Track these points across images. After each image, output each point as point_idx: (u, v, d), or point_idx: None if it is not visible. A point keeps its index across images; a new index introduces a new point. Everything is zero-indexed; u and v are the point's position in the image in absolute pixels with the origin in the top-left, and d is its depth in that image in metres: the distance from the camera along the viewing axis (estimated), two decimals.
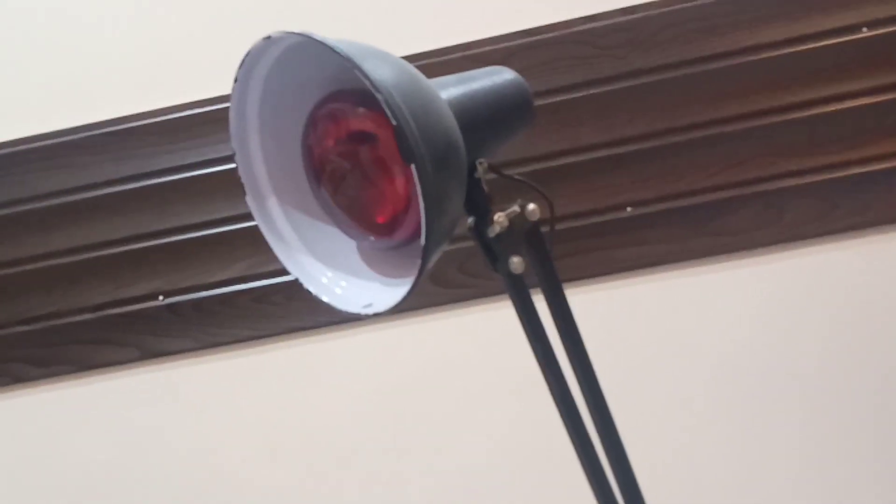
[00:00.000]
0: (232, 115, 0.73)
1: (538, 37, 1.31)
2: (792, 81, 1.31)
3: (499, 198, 0.75)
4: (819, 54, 1.30)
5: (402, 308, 1.39)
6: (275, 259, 1.36)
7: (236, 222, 1.36)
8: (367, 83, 0.62)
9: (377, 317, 0.72)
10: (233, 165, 1.34)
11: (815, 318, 1.37)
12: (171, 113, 1.36)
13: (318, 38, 0.63)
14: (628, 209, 1.33)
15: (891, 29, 1.30)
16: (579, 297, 1.33)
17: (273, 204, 0.77)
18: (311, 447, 1.42)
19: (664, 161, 1.32)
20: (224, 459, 1.43)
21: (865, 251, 1.34)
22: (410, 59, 1.26)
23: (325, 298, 0.75)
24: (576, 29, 1.31)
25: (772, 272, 1.35)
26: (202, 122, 1.35)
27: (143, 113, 1.36)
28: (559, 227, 1.31)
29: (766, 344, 1.37)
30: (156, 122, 1.36)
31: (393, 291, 0.72)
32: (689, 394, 1.39)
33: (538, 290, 0.80)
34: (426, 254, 0.66)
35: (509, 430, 1.41)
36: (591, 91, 1.32)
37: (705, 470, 1.40)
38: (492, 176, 0.76)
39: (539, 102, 1.30)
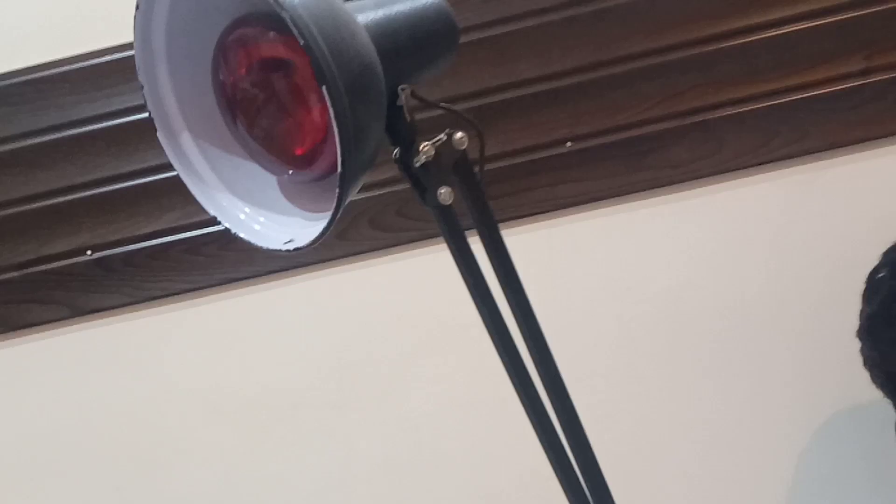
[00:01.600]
0: (137, 45, 0.69)
1: None
2: (729, 9, 1.28)
3: (428, 136, 0.72)
4: None
5: (342, 254, 1.38)
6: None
7: (164, 171, 1.31)
8: (272, 2, 0.58)
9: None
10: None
11: (757, 249, 1.36)
12: (90, 59, 1.29)
13: None
14: (568, 144, 1.31)
15: None
16: (520, 237, 1.33)
17: (186, 139, 0.74)
18: (252, 402, 1.39)
19: (602, 94, 1.30)
20: (163, 418, 1.39)
21: (803, 179, 1.33)
22: None
23: (242, 235, 0.72)
24: None
25: (713, 203, 1.34)
26: (122, 69, 1.29)
27: (61, 60, 1.30)
28: (494, 166, 1.28)
29: (709, 276, 1.37)
30: (74, 69, 1.29)
31: (314, 226, 0.69)
32: (633, 330, 1.38)
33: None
34: (343, 182, 0.62)
35: (456, 376, 1.39)
36: (526, 23, 1.28)
37: (647, 404, 1.40)
38: (417, 106, 0.72)
39: (474, 36, 1.27)
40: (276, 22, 0.65)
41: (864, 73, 1.29)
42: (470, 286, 0.80)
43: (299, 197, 0.75)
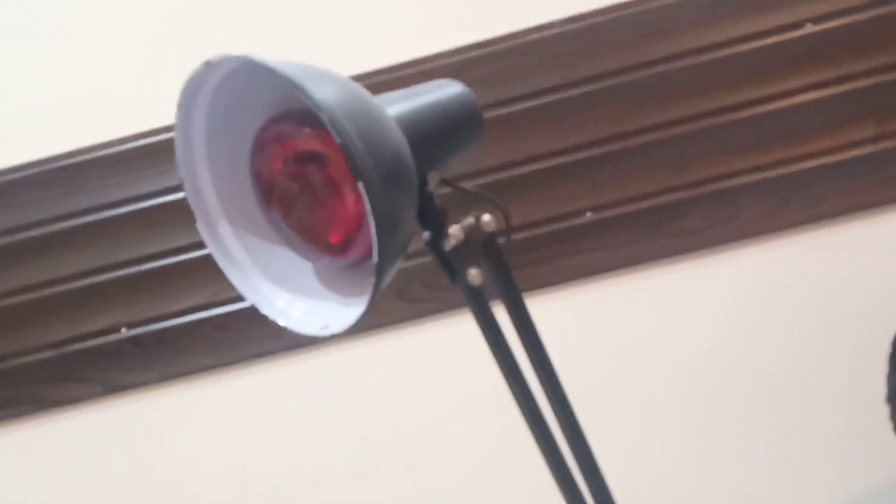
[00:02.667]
0: (177, 142, 0.72)
1: (489, 48, 1.31)
2: (738, 80, 1.31)
3: (455, 213, 0.75)
4: (764, 52, 1.31)
5: (368, 326, 1.40)
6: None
7: (194, 250, 1.35)
8: (309, 103, 0.62)
9: (335, 338, 0.71)
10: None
11: (777, 314, 1.38)
12: (122, 144, 1.34)
13: (259, 61, 0.63)
14: (588, 214, 1.33)
15: (835, 23, 1.31)
16: (541, 306, 1.33)
17: (225, 229, 0.76)
18: (280, 473, 1.40)
19: (617, 166, 1.33)
20: (194, 491, 1.41)
21: (819, 244, 1.35)
22: (362, 77, 1.28)
23: (281, 322, 0.74)
24: (526, 39, 1.31)
25: (730, 270, 1.36)
26: (154, 151, 1.33)
27: (94, 146, 1.34)
28: (517, 237, 1.31)
29: (729, 341, 1.38)
30: (107, 154, 1.34)
31: (349, 311, 0.71)
32: (655, 397, 1.39)
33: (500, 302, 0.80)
34: (379, 271, 0.65)
35: (482, 446, 1.40)
36: (542, 100, 1.32)
37: (674, 474, 1.40)
38: (445, 190, 0.75)
39: (491, 114, 1.30)
40: (311, 118, 0.68)
41: (875, 139, 1.31)
42: (499, 361, 0.82)
43: (334, 282, 0.77)
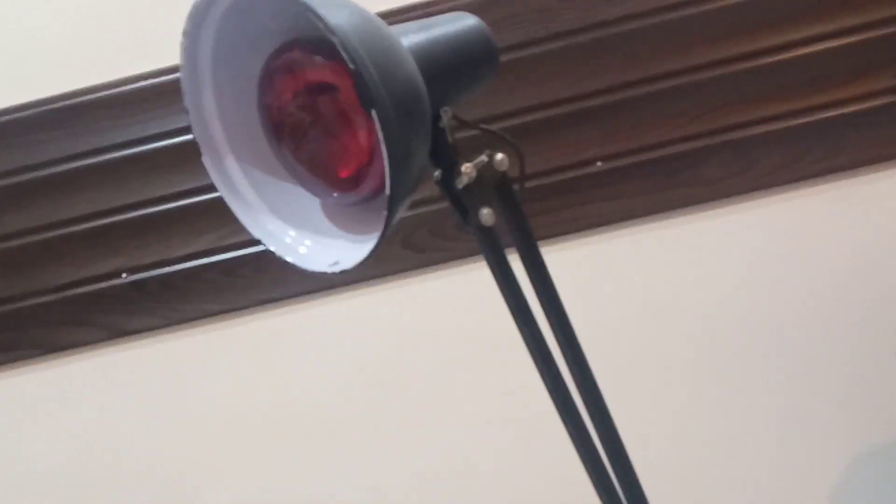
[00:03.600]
0: (183, 71, 0.70)
1: None
2: (757, 27, 1.29)
3: (467, 153, 0.73)
4: None
5: (374, 274, 1.39)
6: (241, 231, 1.33)
7: (199, 194, 1.33)
8: (322, 27, 0.59)
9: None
10: (192, 136, 1.32)
11: (793, 265, 1.36)
12: (126, 84, 1.31)
13: None
14: (598, 163, 1.31)
15: None
16: (553, 256, 1.31)
17: (231, 163, 0.74)
18: (286, 421, 1.40)
19: (632, 113, 1.30)
20: (199, 438, 1.40)
21: (837, 196, 1.33)
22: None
23: (289, 258, 0.72)
24: None
25: (745, 221, 1.34)
26: (158, 93, 1.31)
27: (99, 86, 1.32)
28: (529, 184, 1.29)
29: (745, 292, 1.37)
30: (111, 95, 1.31)
31: (359, 248, 0.69)
32: (669, 348, 1.38)
33: (512, 250, 0.78)
34: (392, 205, 0.63)
35: (493, 392, 1.39)
36: (556, 44, 1.29)
37: (688, 425, 1.40)
38: (456, 127, 0.73)
39: (503, 58, 1.27)
40: (322, 47, 0.66)
41: (894, 89, 1.29)
42: (511, 306, 0.80)
43: (343, 219, 0.75)
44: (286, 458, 1.41)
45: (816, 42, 1.29)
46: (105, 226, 1.34)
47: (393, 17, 1.28)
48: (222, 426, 1.40)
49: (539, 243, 0.81)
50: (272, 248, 0.73)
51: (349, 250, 0.71)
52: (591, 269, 1.35)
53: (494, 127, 0.81)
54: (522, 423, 1.38)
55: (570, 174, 1.32)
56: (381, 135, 0.61)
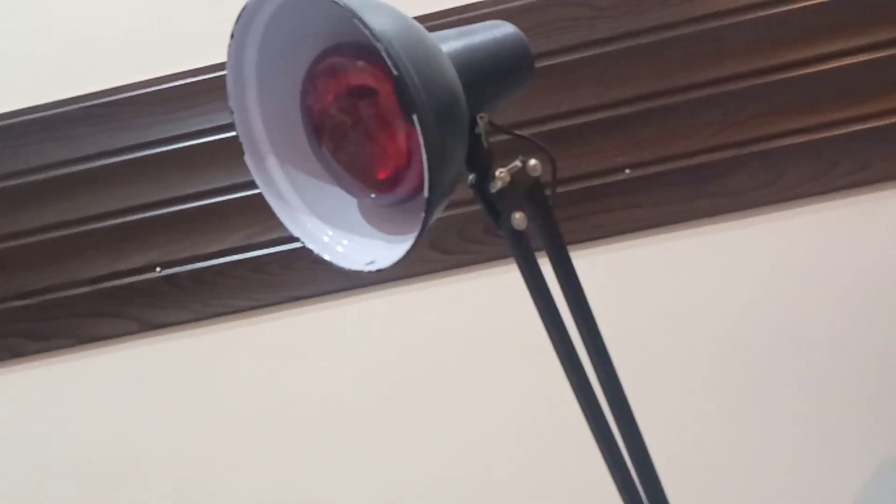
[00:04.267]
0: (229, 73, 0.72)
1: None
2: (790, 40, 1.29)
3: (498, 158, 0.74)
4: (816, 10, 1.29)
5: (403, 275, 1.40)
6: (272, 228, 1.37)
7: (232, 192, 1.35)
8: (367, 33, 0.61)
9: (380, 273, 0.71)
10: (227, 134, 1.35)
11: (819, 277, 1.36)
12: (165, 83, 1.34)
13: None
14: (626, 171, 1.32)
15: None
16: (580, 261, 1.32)
17: (272, 163, 0.76)
18: (311, 417, 1.42)
19: (661, 122, 1.31)
20: (227, 430, 1.42)
21: (864, 209, 1.33)
22: None
23: (326, 257, 0.74)
24: None
25: (772, 232, 1.34)
26: (195, 92, 1.33)
27: (138, 83, 1.35)
28: (559, 190, 1.30)
29: (770, 303, 1.37)
30: (150, 92, 1.34)
31: (395, 248, 0.71)
32: (693, 356, 1.39)
33: (541, 253, 0.80)
34: (429, 207, 0.65)
35: (515, 397, 1.40)
36: (588, 53, 1.30)
37: (710, 433, 1.40)
38: (492, 133, 0.75)
39: (537, 64, 1.28)
40: (364, 51, 0.68)
41: None
42: (541, 309, 0.81)
43: (379, 220, 0.77)
44: (309, 454, 1.43)
45: (846, 56, 1.29)
46: (140, 220, 1.37)
47: (430, 20, 1.29)
48: (247, 421, 1.42)
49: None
50: (311, 247, 0.75)
51: (385, 250, 0.73)
52: (617, 275, 1.36)
53: (527, 133, 0.82)
54: (543, 428, 1.39)
55: (598, 181, 1.33)
56: (421, 139, 0.62)
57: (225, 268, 1.37)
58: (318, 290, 1.37)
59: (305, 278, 1.36)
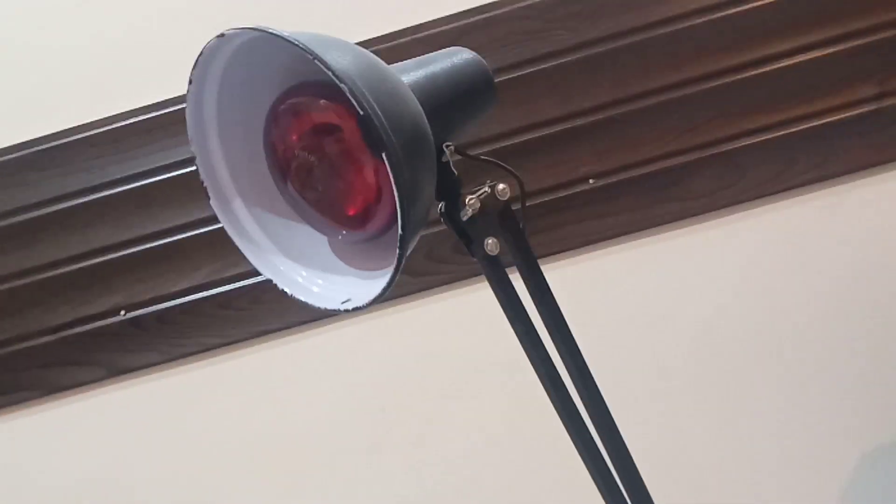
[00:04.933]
0: (189, 117, 0.71)
1: (488, 14, 1.29)
2: (744, 41, 1.30)
3: (463, 181, 0.74)
4: (767, 11, 1.30)
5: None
6: (237, 264, 1.35)
7: (193, 229, 1.33)
8: (330, 74, 0.60)
9: (357, 312, 0.70)
10: (185, 170, 1.33)
11: (787, 274, 1.37)
12: (116, 122, 1.31)
13: (275, 32, 0.61)
14: (591, 181, 1.32)
15: None
16: (550, 274, 1.33)
17: (239, 205, 0.75)
18: (290, 451, 1.40)
19: (622, 130, 1.32)
20: (203, 472, 1.40)
21: (828, 203, 1.35)
22: (360, 46, 1.25)
23: (302, 298, 0.73)
24: (524, 3, 1.29)
25: (738, 232, 1.35)
26: (149, 129, 1.31)
27: (88, 124, 1.32)
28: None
29: (740, 303, 1.38)
30: (101, 132, 1.31)
31: (370, 284, 0.70)
32: (667, 360, 1.39)
33: (513, 269, 0.79)
34: (403, 243, 0.64)
35: (494, 417, 1.40)
36: (544, 65, 1.30)
37: (688, 435, 1.41)
38: (458, 158, 0.74)
39: (495, 79, 1.28)
40: (326, 89, 0.67)
41: (879, 97, 1.31)
42: (519, 332, 0.81)
43: (351, 256, 0.76)
44: (292, 487, 1.41)
45: (800, 53, 1.31)
46: (100, 264, 1.34)
47: (385, 42, 1.28)
48: (223, 461, 1.40)
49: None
50: (285, 289, 0.74)
51: (360, 287, 0.72)
52: (587, 285, 1.36)
53: (490, 150, 0.81)
54: (524, 446, 1.38)
55: (563, 192, 1.33)
56: (391, 176, 0.61)
57: (191, 306, 1.35)
58: (288, 323, 1.36)
59: (274, 312, 1.34)
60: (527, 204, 1.29)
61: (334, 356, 1.38)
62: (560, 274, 1.34)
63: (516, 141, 1.31)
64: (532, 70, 1.30)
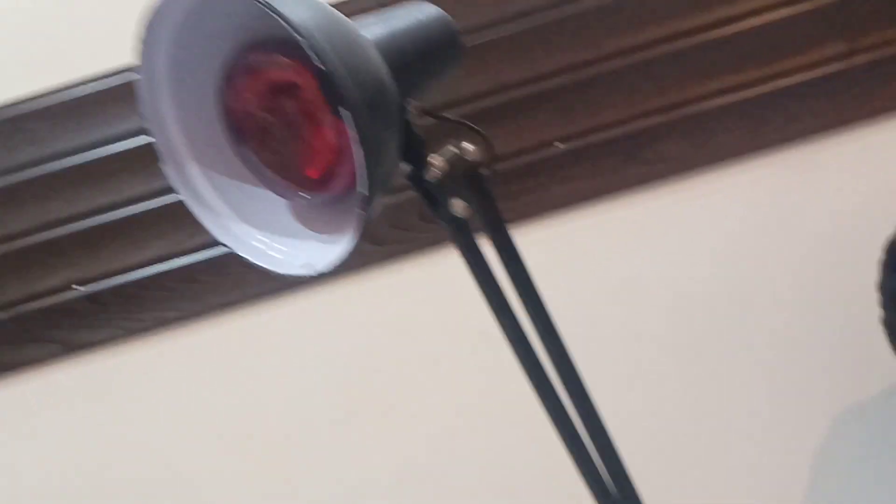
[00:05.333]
0: (141, 79, 0.67)
1: None
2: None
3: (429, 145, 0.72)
4: None
5: (337, 270, 1.35)
6: (196, 235, 1.32)
7: (149, 199, 1.29)
8: (288, 27, 0.57)
9: (320, 277, 0.67)
10: (138, 142, 1.29)
11: (759, 234, 1.37)
12: (67, 90, 1.27)
13: None
14: (558, 144, 1.30)
15: None
16: (519, 240, 1.31)
17: (194, 170, 0.71)
18: (259, 427, 1.37)
19: (588, 93, 1.29)
20: (169, 450, 1.37)
21: (798, 163, 1.34)
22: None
23: (261, 264, 0.70)
24: None
25: (710, 193, 1.34)
26: (98, 99, 1.26)
27: (36, 94, 1.27)
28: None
29: (714, 265, 1.37)
30: (50, 103, 1.27)
31: (332, 248, 0.68)
32: (642, 325, 1.38)
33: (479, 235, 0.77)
34: (368, 203, 0.61)
35: (466, 386, 1.38)
36: (510, 27, 1.27)
37: (666, 403, 1.41)
38: (424, 120, 0.72)
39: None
40: (283, 46, 0.64)
41: (848, 54, 1.30)
42: (488, 296, 0.79)
43: (312, 220, 0.73)
44: (262, 463, 1.38)
45: (767, 11, 1.29)
46: (53, 238, 1.30)
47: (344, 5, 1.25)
48: (189, 436, 1.37)
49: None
50: (242, 254, 0.71)
51: (322, 251, 0.70)
52: (556, 251, 1.34)
53: (455, 114, 0.79)
54: (499, 414, 1.37)
55: (530, 157, 1.30)
56: (353, 134, 0.59)
57: (148, 280, 1.31)
58: (251, 294, 1.32)
59: (236, 283, 1.31)
60: (494, 168, 1.29)
61: (301, 327, 1.35)
62: (529, 240, 1.30)
63: (480, 105, 1.29)
64: (497, 32, 1.27)
